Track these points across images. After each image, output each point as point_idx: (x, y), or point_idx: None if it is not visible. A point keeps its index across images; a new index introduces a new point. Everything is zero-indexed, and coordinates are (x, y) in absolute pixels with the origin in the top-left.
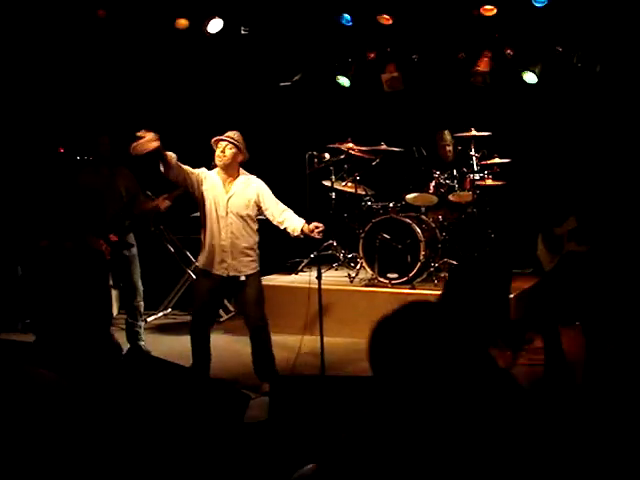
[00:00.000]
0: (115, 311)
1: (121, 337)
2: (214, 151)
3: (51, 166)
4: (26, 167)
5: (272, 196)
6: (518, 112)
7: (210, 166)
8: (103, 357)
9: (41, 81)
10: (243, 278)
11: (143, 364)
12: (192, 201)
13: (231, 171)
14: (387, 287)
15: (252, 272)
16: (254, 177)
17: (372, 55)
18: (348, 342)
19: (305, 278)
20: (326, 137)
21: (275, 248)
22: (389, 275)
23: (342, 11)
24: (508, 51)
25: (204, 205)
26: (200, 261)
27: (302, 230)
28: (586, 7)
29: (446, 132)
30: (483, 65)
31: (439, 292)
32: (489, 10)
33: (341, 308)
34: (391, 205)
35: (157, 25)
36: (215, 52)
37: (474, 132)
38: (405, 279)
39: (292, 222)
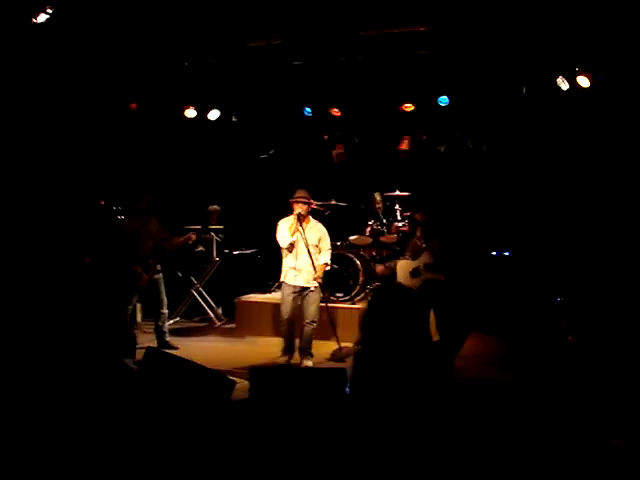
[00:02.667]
0: (139, 318)
1: (145, 338)
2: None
3: (95, 214)
4: (77, 215)
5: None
6: (430, 178)
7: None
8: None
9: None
10: None
11: (154, 357)
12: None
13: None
14: (336, 303)
15: None
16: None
17: (325, 137)
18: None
19: (277, 295)
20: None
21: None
22: (337, 294)
23: (304, 105)
24: (422, 135)
25: None
26: None
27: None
28: (476, 107)
29: (377, 194)
30: (404, 145)
31: None
32: (409, 107)
33: None
34: (338, 244)
35: (170, 114)
36: (214, 134)
37: (398, 192)
38: (348, 297)
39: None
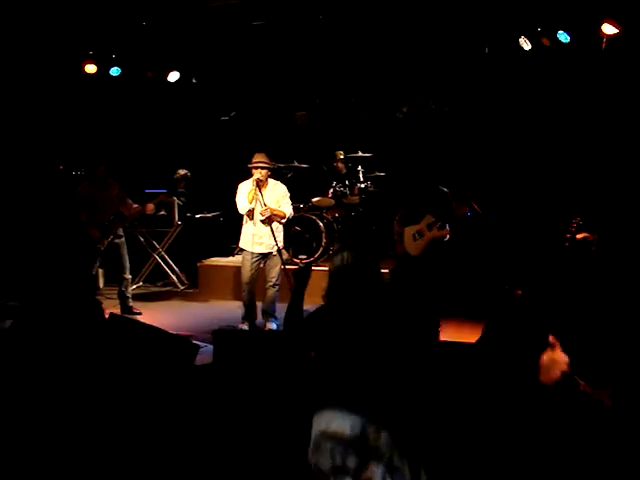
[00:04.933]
0: (101, 284)
1: (108, 303)
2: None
3: (53, 178)
4: (33, 178)
5: None
6: (391, 139)
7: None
8: (86, 314)
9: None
10: None
11: (117, 324)
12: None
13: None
14: (299, 265)
15: None
16: None
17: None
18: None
19: (239, 259)
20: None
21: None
22: (300, 256)
23: (266, 66)
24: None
25: None
26: None
27: None
28: (438, 67)
29: (339, 152)
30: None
31: None
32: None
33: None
34: (301, 206)
35: (130, 76)
36: (173, 96)
37: (360, 153)
38: (312, 259)
39: None
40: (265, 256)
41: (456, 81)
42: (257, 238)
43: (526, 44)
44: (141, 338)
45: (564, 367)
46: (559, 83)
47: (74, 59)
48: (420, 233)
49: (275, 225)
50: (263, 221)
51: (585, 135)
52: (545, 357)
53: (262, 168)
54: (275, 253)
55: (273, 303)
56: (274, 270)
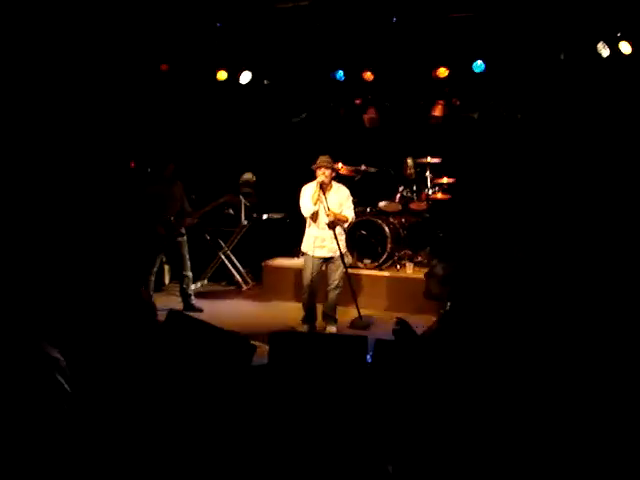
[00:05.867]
0: (167, 281)
1: (172, 300)
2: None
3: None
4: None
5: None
6: (462, 145)
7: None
8: (135, 312)
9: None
10: None
11: (176, 320)
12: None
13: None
14: (363, 269)
15: None
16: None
17: (358, 101)
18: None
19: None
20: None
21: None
22: (365, 260)
23: (337, 68)
24: (456, 101)
25: None
26: None
27: None
28: (512, 73)
29: (409, 159)
30: (438, 111)
31: (400, 275)
32: (443, 72)
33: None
34: (368, 210)
35: (202, 76)
36: (245, 98)
37: (429, 159)
38: (376, 264)
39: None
40: (327, 260)
41: (529, 88)
42: (319, 241)
43: (604, 50)
44: (198, 335)
45: None
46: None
47: (151, 59)
48: None
49: (338, 229)
50: (328, 225)
51: None
52: None
53: (326, 168)
54: (337, 257)
55: (334, 306)
56: (336, 273)
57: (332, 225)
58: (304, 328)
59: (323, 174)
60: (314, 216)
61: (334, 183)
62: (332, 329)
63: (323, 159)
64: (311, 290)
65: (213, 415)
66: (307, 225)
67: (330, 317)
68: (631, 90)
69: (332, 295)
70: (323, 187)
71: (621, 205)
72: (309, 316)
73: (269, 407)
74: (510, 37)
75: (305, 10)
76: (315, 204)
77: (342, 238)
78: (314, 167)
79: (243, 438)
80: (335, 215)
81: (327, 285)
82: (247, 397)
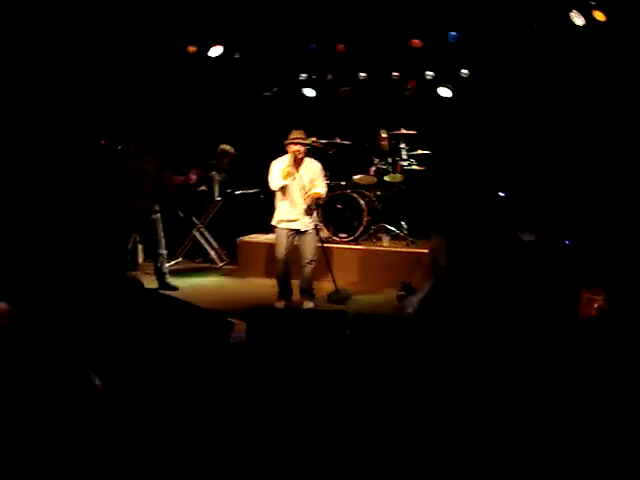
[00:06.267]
0: (141, 259)
1: (146, 279)
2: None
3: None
4: (75, 153)
5: None
6: (436, 117)
7: None
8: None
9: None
10: None
11: (153, 300)
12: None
13: None
14: (339, 243)
15: None
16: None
17: (329, 76)
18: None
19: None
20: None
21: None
22: (340, 235)
23: (309, 41)
24: (429, 73)
25: None
26: None
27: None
28: (483, 43)
29: (383, 130)
30: (411, 82)
31: (377, 248)
32: (417, 43)
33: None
34: (342, 184)
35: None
36: (215, 71)
37: (404, 130)
38: (352, 238)
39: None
40: (300, 233)
41: (503, 59)
42: (292, 215)
43: (578, 19)
44: (175, 314)
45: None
46: (614, 61)
47: (120, 34)
48: None
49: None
50: (306, 208)
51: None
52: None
53: (300, 144)
54: (311, 231)
55: (310, 281)
56: (310, 246)
57: (309, 210)
58: (281, 304)
59: (298, 150)
60: (285, 190)
61: (306, 158)
62: (309, 304)
63: (296, 134)
64: (285, 265)
65: (193, 394)
66: (278, 199)
67: (307, 292)
68: (605, 59)
69: (308, 270)
70: (296, 162)
71: (593, 174)
72: (284, 292)
73: (249, 385)
74: (484, 7)
75: None
76: (285, 178)
77: (314, 211)
78: (287, 142)
79: (223, 417)
80: (312, 196)
81: (302, 260)
82: (226, 375)
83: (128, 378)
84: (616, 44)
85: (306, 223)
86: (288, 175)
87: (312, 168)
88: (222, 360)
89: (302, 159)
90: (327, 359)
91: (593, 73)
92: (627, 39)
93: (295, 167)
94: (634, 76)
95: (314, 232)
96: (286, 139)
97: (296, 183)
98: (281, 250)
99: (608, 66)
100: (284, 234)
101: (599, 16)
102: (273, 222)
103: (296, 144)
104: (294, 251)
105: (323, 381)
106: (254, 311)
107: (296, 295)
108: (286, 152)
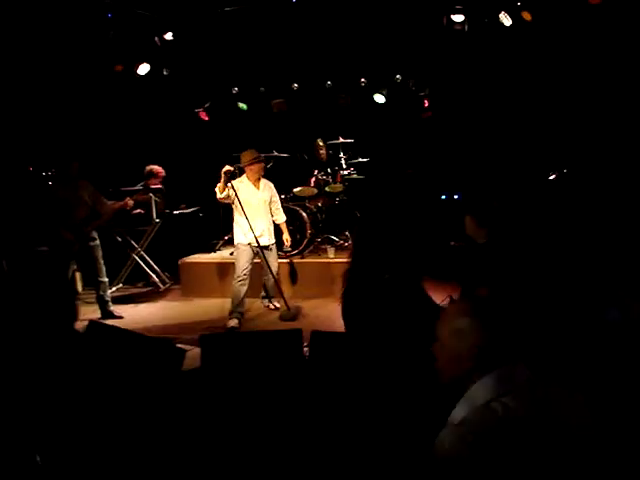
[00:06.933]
0: (80, 288)
1: (88, 308)
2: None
3: (23, 180)
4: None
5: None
6: (373, 124)
7: None
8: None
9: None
10: None
11: (97, 332)
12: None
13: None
14: (284, 257)
15: None
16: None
17: (262, 88)
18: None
19: (222, 254)
20: (231, 149)
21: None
22: (284, 249)
23: (239, 55)
24: (362, 80)
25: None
26: None
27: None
28: (417, 50)
29: (319, 140)
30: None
31: (323, 260)
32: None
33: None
34: (282, 197)
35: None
36: (144, 88)
37: (341, 139)
38: (297, 251)
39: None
40: (265, 248)
41: (435, 61)
42: (258, 231)
43: (506, 19)
44: (122, 345)
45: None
46: (542, 60)
47: (42, 56)
48: None
49: (269, 218)
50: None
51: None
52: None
53: (260, 161)
54: (272, 246)
55: (274, 289)
56: (275, 259)
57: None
58: (235, 322)
59: (258, 168)
60: (247, 207)
61: (262, 179)
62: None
63: (253, 153)
64: (246, 281)
65: (148, 427)
66: (237, 215)
67: (273, 297)
68: (533, 57)
69: (272, 282)
70: (234, 176)
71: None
72: (239, 308)
73: (206, 413)
74: (414, 9)
75: None
76: (222, 192)
77: (272, 227)
78: (245, 166)
79: (182, 448)
80: (287, 233)
81: (267, 273)
82: (181, 405)
83: (75, 423)
84: (541, 42)
85: (269, 238)
86: (224, 189)
87: (269, 189)
88: (175, 390)
89: (259, 179)
90: (285, 380)
91: (520, 71)
92: (552, 37)
93: (256, 185)
94: (560, 74)
95: (275, 246)
96: (244, 162)
97: (258, 199)
98: (245, 264)
99: (535, 64)
100: (247, 250)
101: (526, 16)
102: (236, 238)
103: (259, 162)
104: (253, 265)
105: (283, 402)
106: (207, 337)
107: (246, 312)
108: (237, 173)
